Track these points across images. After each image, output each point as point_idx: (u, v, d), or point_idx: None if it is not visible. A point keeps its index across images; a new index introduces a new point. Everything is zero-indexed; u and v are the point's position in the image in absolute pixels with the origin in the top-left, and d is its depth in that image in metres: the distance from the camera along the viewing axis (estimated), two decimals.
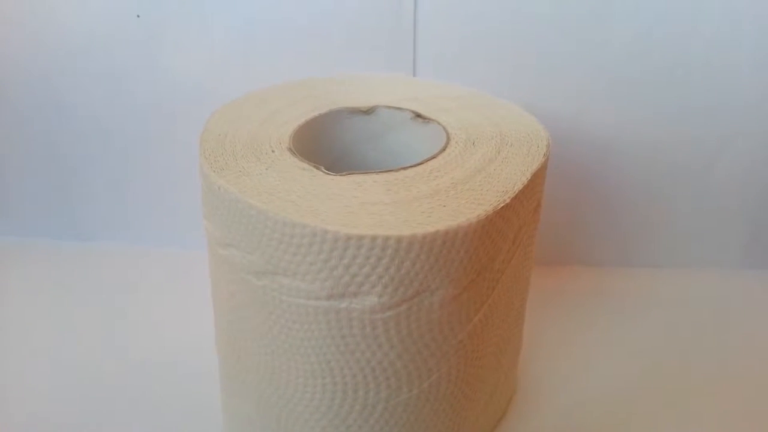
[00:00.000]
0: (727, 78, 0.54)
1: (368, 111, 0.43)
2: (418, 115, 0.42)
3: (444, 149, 0.37)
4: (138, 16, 0.54)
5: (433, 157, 0.36)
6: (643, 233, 0.61)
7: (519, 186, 0.33)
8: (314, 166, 0.35)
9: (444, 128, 0.40)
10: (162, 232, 0.63)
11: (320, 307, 0.32)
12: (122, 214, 0.63)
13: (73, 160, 0.61)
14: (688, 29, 0.53)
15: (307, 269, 0.31)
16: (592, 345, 0.52)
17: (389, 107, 0.43)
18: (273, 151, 0.37)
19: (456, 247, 0.31)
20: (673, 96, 0.55)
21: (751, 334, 0.53)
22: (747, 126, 0.56)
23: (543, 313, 0.54)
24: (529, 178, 0.34)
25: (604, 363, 0.50)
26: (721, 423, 0.45)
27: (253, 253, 0.33)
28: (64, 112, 0.59)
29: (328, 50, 0.54)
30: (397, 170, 0.35)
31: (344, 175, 0.34)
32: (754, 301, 0.58)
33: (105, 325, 0.53)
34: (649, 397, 0.47)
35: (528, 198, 0.35)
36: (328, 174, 0.34)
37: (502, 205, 0.32)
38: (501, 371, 0.42)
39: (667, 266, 0.62)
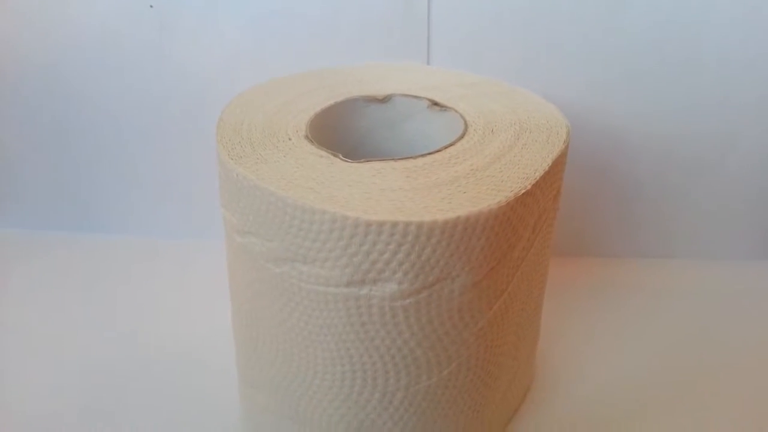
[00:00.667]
0: (741, 70, 0.54)
1: (384, 99, 0.43)
2: (435, 103, 0.41)
3: (462, 137, 0.37)
4: (151, 6, 0.54)
5: (452, 145, 0.36)
6: (657, 225, 0.61)
7: (540, 173, 0.33)
8: (332, 154, 0.35)
9: (461, 116, 0.39)
10: (175, 223, 0.63)
11: (340, 294, 0.32)
12: (134, 205, 0.63)
13: (85, 152, 0.61)
14: (702, 21, 0.52)
15: (327, 256, 0.31)
16: (608, 336, 0.51)
17: (405, 95, 0.43)
18: (290, 139, 0.36)
19: (476, 234, 0.30)
20: (687, 88, 0.55)
21: (766, 325, 0.53)
22: (760, 117, 0.56)
23: (559, 304, 0.54)
24: (549, 164, 0.34)
25: (619, 354, 0.49)
26: (735, 413, 0.44)
27: (273, 240, 0.32)
28: (76, 104, 0.59)
29: (340, 41, 0.54)
30: (416, 157, 0.34)
31: (363, 163, 0.34)
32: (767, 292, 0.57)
33: (119, 318, 0.53)
34: (664, 387, 0.46)
35: (548, 185, 0.35)
36: (346, 161, 0.34)
37: (522, 191, 0.31)
38: (519, 360, 0.42)
39: (681, 257, 0.61)
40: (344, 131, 0.42)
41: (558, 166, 0.36)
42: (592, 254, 0.62)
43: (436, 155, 0.35)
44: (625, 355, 0.49)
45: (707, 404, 0.45)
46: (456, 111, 0.40)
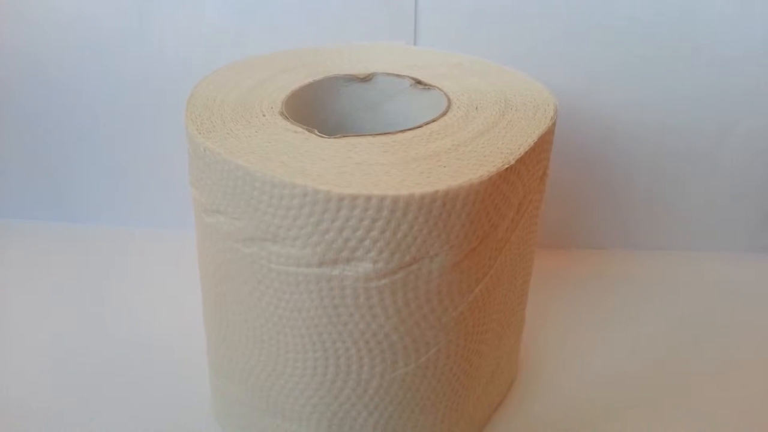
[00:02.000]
0: (735, 58, 0.53)
1: (366, 78, 0.41)
2: (419, 82, 0.40)
3: (445, 113, 0.35)
4: None
5: (433, 121, 0.34)
6: (647, 216, 0.60)
7: (524, 148, 0.31)
8: (307, 129, 0.33)
9: (445, 94, 0.38)
10: (151, 212, 0.61)
11: (311, 274, 0.30)
12: (110, 194, 0.61)
13: (59, 138, 0.59)
14: (696, 7, 0.51)
15: (297, 234, 0.29)
16: (595, 330, 0.50)
17: (388, 74, 0.41)
18: (264, 116, 0.35)
19: (456, 210, 0.29)
20: (680, 75, 0.53)
21: (757, 318, 0.52)
22: (754, 107, 0.54)
23: (545, 297, 0.53)
24: (535, 140, 0.32)
25: (606, 348, 0.48)
26: (726, 408, 0.43)
27: (241, 218, 0.31)
28: (50, 88, 0.57)
29: (324, 22, 0.52)
30: (395, 133, 0.33)
31: (338, 138, 0.32)
32: (759, 284, 0.56)
33: (91, 308, 0.52)
34: (652, 382, 0.45)
35: (534, 163, 0.33)
36: (321, 137, 0.32)
37: (506, 166, 0.30)
38: (502, 351, 0.40)
39: (671, 249, 0.60)
40: (323, 111, 0.41)
41: (544, 144, 0.34)
42: (580, 246, 0.60)
43: (417, 131, 0.33)
44: (612, 349, 0.48)
45: (696, 398, 0.44)
46: (440, 90, 0.38)
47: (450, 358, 0.33)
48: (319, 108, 0.40)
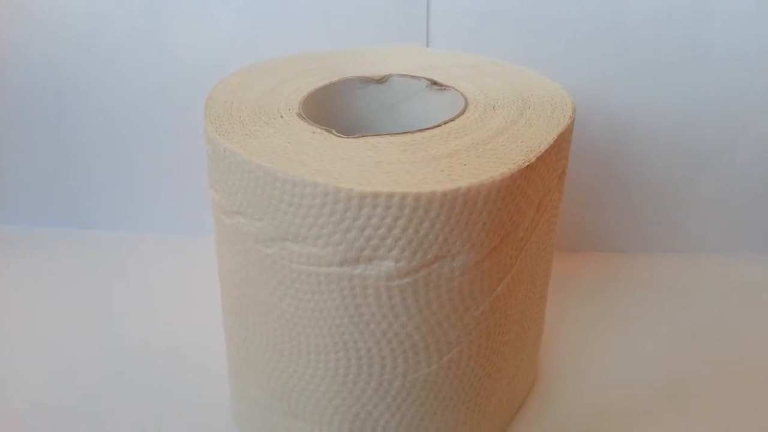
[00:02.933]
0: (748, 59, 0.52)
1: (381, 80, 0.41)
2: (434, 83, 0.40)
3: (462, 113, 0.35)
4: None
5: (451, 120, 0.34)
6: (663, 218, 0.59)
7: (545, 146, 0.31)
8: (326, 130, 0.33)
9: (461, 94, 0.38)
10: (168, 219, 0.62)
11: (333, 274, 0.30)
12: (126, 201, 0.61)
13: (75, 145, 0.59)
14: (710, 9, 0.51)
15: (319, 233, 0.29)
16: (613, 333, 0.50)
17: (403, 76, 0.41)
18: (281, 117, 0.35)
19: (478, 208, 0.28)
20: (693, 77, 0.53)
21: None
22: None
23: (563, 300, 0.53)
24: (555, 138, 0.32)
25: (625, 351, 0.48)
26: (746, 408, 0.43)
27: (262, 218, 0.31)
28: (66, 94, 0.57)
29: (337, 26, 0.52)
30: (414, 132, 0.33)
31: (357, 138, 0.32)
32: None
33: (109, 314, 0.52)
34: (670, 384, 0.45)
35: (553, 161, 0.33)
36: (339, 137, 0.32)
37: (527, 164, 0.30)
38: (523, 352, 0.40)
39: (687, 252, 0.60)
40: (339, 113, 0.41)
41: (563, 143, 0.34)
42: (596, 249, 0.60)
43: (435, 130, 0.33)
44: (631, 352, 0.48)
45: (715, 401, 0.43)
46: (456, 90, 0.38)
47: (472, 358, 0.33)
48: (335, 110, 0.41)
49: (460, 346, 0.32)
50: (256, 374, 0.37)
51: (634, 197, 0.58)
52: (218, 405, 0.43)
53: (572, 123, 0.35)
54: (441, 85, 0.39)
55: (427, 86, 0.40)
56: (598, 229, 0.60)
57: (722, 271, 0.57)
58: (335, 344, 0.32)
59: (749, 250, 0.60)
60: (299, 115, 0.35)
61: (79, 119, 0.58)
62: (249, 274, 0.33)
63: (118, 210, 0.62)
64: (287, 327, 0.33)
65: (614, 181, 0.58)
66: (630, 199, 0.58)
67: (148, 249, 0.60)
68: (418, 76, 0.40)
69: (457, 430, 0.36)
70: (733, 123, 0.55)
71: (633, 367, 0.46)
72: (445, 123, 0.34)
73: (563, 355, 0.47)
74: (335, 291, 0.30)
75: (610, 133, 0.56)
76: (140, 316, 0.51)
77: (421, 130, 0.33)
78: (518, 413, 0.43)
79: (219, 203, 0.34)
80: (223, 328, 0.40)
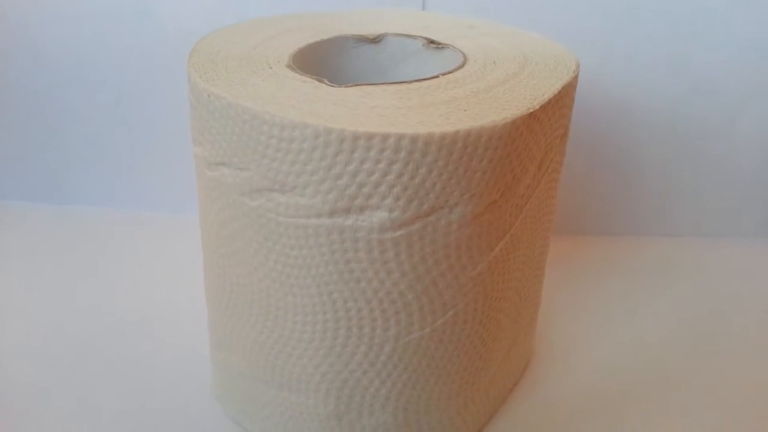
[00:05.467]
0: (749, 37, 0.51)
1: (375, 39, 0.39)
2: (431, 42, 0.38)
3: (461, 67, 0.33)
4: None
5: (449, 72, 0.32)
6: (658, 203, 0.58)
7: (548, 95, 0.29)
8: (317, 79, 0.31)
9: (460, 52, 0.36)
10: (150, 195, 0.59)
11: (322, 226, 0.28)
12: (107, 175, 0.59)
13: (53, 115, 0.57)
14: None
15: (308, 180, 0.27)
16: (609, 315, 0.49)
17: (398, 35, 0.39)
18: (270, 68, 0.33)
19: (478, 154, 0.27)
20: (693, 55, 0.52)
21: None
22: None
23: (559, 283, 0.52)
24: (559, 89, 0.30)
25: (620, 333, 0.47)
26: (738, 393, 0.42)
27: (247, 168, 0.29)
28: (44, 60, 0.54)
29: None
30: (410, 82, 0.31)
31: (350, 86, 0.30)
32: None
33: (87, 291, 0.50)
34: (664, 367, 0.44)
35: (556, 116, 0.31)
36: (331, 86, 0.30)
37: (530, 111, 0.28)
38: (520, 325, 0.38)
39: (683, 236, 0.59)
40: (331, 74, 0.39)
41: (567, 98, 0.32)
42: (591, 233, 0.59)
43: (433, 81, 0.31)
44: (625, 336, 0.47)
45: (709, 383, 0.43)
46: (454, 48, 0.37)
47: (467, 323, 0.31)
48: (327, 70, 0.39)
49: (455, 308, 0.30)
50: (240, 342, 0.35)
51: (631, 180, 0.57)
52: (198, 381, 0.41)
53: (576, 78, 0.33)
54: (438, 44, 0.38)
55: (423, 45, 0.38)
56: (595, 213, 0.59)
57: (720, 256, 0.57)
58: (323, 304, 0.30)
59: (748, 234, 0.59)
60: (289, 66, 0.33)
61: (56, 86, 0.55)
62: (233, 231, 0.31)
63: (99, 185, 0.59)
64: (273, 287, 0.31)
65: (611, 164, 0.57)
66: (627, 182, 0.57)
67: (129, 226, 0.58)
68: (414, 35, 0.39)
69: (450, 402, 0.34)
70: (731, 105, 0.54)
71: (627, 350, 0.45)
72: (444, 74, 0.32)
73: (558, 337, 0.46)
74: (324, 245, 0.28)
75: (606, 115, 0.54)
76: (120, 291, 0.49)
77: (417, 80, 0.31)
78: (513, 392, 0.41)
79: (202, 156, 0.32)
80: (205, 297, 0.38)
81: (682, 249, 0.57)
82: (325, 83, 0.31)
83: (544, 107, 0.29)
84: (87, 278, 0.51)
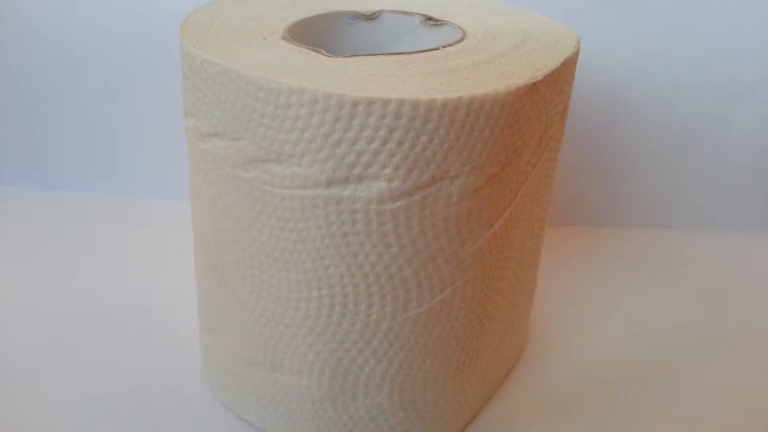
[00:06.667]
0: (748, 25, 0.51)
1: (372, 16, 0.38)
2: (429, 18, 0.37)
3: (461, 41, 0.33)
4: None
5: (449, 45, 0.32)
6: (655, 194, 0.58)
7: (551, 67, 0.29)
8: (313, 50, 0.30)
9: (459, 28, 0.35)
10: (142, 180, 0.58)
11: (319, 197, 0.27)
12: (96, 159, 0.58)
13: (40, 97, 0.55)
14: None
15: (305, 149, 0.26)
16: (603, 306, 0.49)
17: (395, 12, 0.38)
18: (265, 39, 0.32)
19: (480, 123, 0.26)
20: (690, 42, 0.51)
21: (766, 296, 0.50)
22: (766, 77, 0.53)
23: (554, 274, 0.51)
24: (561, 62, 0.30)
25: (614, 324, 0.47)
26: (733, 382, 0.42)
27: (242, 137, 0.28)
28: (30, 40, 0.53)
29: None
30: (409, 53, 0.30)
31: (348, 57, 0.29)
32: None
33: (74, 275, 0.48)
34: (657, 357, 0.43)
35: (557, 91, 0.31)
36: (328, 56, 0.30)
37: (533, 81, 0.27)
38: (516, 308, 0.37)
39: (680, 227, 0.58)
40: (326, 50, 0.38)
41: (568, 74, 0.32)
42: (586, 223, 0.58)
43: (432, 52, 0.30)
44: (619, 325, 0.46)
45: (703, 373, 0.42)
46: (453, 24, 0.36)
47: (465, 302, 0.31)
48: (322, 47, 0.38)
49: (453, 285, 0.30)
50: (230, 323, 0.34)
51: (624, 172, 0.57)
52: (188, 366, 0.40)
53: (577, 54, 0.32)
54: (436, 21, 0.37)
55: (421, 22, 0.38)
56: (588, 204, 0.58)
57: (713, 247, 0.56)
58: (318, 280, 0.29)
59: (743, 226, 0.58)
60: (284, 38, 0.32)
61: (44, 67, 0.54)
62: (226, 205, 0.30)
63: (88, 169, 0.58)
64: (266, 263, 0.30)
65: (604, 156, 0.56)
66: (624, 174, 0.57)
67: (117, 210, 0.57)
68: (412, 12, 0.38)
69: (446, 383, 0.33)
70: (727, 97, 0.54)
71: (621, 340, 0.45)
72: (444, 47, 0.31)
73: (553, 326, 0.46)
74: (321, 218, 0.27)
75: (601, 106, 0.54)
76: (108, 277, 0.48)
77: (417, 52, 0.30)
78: (507, 378, 0.41)
79: (194, 128, 0.31)
80: (195, 279, 0.37)
81: (677, 240, 0.57)
82: (322, 53, 0.30)
83: (546, 79, 0.28)
84: (74, 263, 0.50)
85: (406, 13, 0.38)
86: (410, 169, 0.26)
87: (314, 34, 0.37)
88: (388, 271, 0.28)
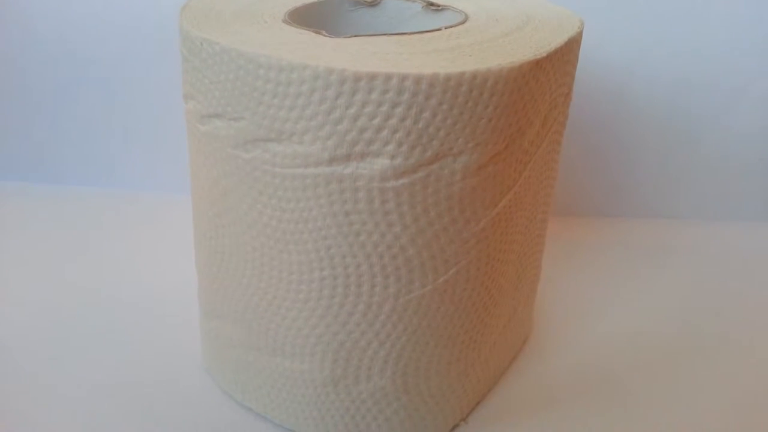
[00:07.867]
0: (750, 14, 0.51)
1: (373, 2, 0.38)
2: (430, 4, 0.37)
3: (463, 23, 0.32)
4: None
5: (451, 26, 0.31)
6: (659, 184, 0.57)
7: (555, 45, 0.28)
8: (314, 31, 0.30)
9: (461, 12, 0.35)
10: (141, 174, 0.58)
11: (321, 175, 0.27)
12: (96, 153, 0.58)
13: (41, 92, 0.55)
14: None
15: (306, 126, 0.26)
16: (608, 296, 0.48)
17: None
18: (266, 22, 0.32)
19: (484, 99, 0.26)
20: (693, 32, 0.51)
21: None
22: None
23: (559, 264, 0.51)
24: (565, 41, 0.29)
25: (619, 314, 0.46)
26: (735, 371, 0.41)
27: (242, 117, 0.28)
28: (31, 35, 0.53)
29: None
30: (411, 33, 0.30)
31: (349, 37, 0.29)
32: None
33: (76, 266, 0.48)
34: (662, 347, 0.43)
35: (561, 72, 0.30)
36: (330, 37, 0.29)
37: (537, 58, 0.27)
38: (520, 294, 0.37)
39: (685, 218, 0.58)
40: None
41: (571, 54, 0.31)
42: (593, 214, 0.58)
43: (435, 32, 0.30)
44: (624, 317, 0.46)
45: (706, 361, 0.42)
46: (454, 9, 0.36)
47: (469, 283, 0.30)
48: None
49: (457, 266, 0.29)
50: (231, 307, 0.33)
51: (631, 162, 0.57)
52: (188, 354, 0.40)
53: (580, 35, 0.32)
54: (437, 6, 0.37)
55: (423, 8, 0.37)
56: (595, 194, 0.58)
57: (716, 237, 0.56)
58: (320, 261, 0.29)
59: (749, 217, 0.58)
60: (285, 21, 0.32)
61: (42, 61, 0.54)
62: (225, 188, 0.30)
63: (88, 163, 0.58)
64: (267, 245, 0.30)
65: (612, 145, 0.56)
66: (627, 164, 0.57)
67: (118, 204, 0.57)
68: None
69: (450, 367, 0.33)
70: (731, 88, 0.53)
71: (625, 329, 0.45)
72: (446, 27, 0.31)
73: (558, 315, 0.46)
74: (323, 196, 0.27)
75: (608, 95, 0.54)
76: (108, 267, 0.48)
77: (419, 32, 0.30)
78: (511, 365, 0.40)
79: (194, 111, 0.31)
80: (195, 264, 0.37)
81: (680, 231, 0.57)
82: (323, 34, 0.30)
83: (549, 57, 0.28)
84: (75, 255, 0.50)
85: None
86: (413, 145, 0.26)
87: (315, 19, 0.37)
88: (391, 251, 0.28)
